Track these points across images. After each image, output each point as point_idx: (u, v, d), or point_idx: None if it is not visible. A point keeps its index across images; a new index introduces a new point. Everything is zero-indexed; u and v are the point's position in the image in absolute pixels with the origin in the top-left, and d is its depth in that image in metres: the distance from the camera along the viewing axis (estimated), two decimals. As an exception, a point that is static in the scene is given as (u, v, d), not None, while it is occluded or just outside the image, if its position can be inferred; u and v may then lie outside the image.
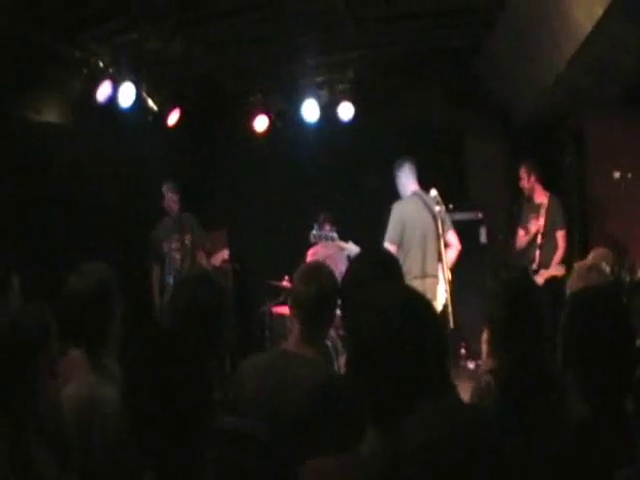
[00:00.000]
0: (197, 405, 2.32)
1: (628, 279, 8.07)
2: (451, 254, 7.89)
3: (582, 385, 2.77)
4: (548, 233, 9.14)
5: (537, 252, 9.22)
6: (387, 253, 3.98)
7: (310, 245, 10.53)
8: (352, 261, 4.04)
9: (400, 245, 7.73)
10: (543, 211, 9.24)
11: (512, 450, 2.90)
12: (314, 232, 8.23)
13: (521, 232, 9.60)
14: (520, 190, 9.91)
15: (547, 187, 9.57)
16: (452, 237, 7.95)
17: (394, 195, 8.36)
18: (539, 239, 9.19)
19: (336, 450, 2.60)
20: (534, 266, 9.19)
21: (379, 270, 3.58)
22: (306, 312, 3.74)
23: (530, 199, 9.54)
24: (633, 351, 2.81)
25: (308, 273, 3.82)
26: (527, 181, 9.48)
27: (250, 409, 3.47)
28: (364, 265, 3.72)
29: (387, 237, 7.79)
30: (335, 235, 8.31)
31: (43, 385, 2.90)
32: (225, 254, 9.76)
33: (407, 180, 8.17)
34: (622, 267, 7.94)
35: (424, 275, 7.73)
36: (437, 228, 7.71)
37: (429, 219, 7.77)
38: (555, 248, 9.08)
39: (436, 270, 7.81)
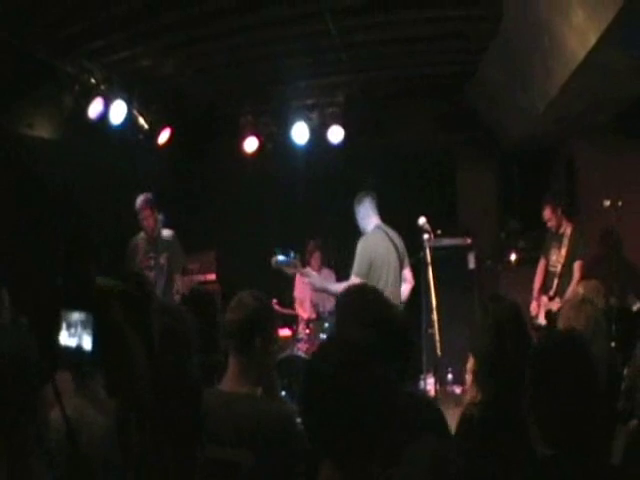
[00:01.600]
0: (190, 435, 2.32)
1: (636, 307, 8.09)
2: (405, 289, 7.80)
3: (542, 429, 2.76)
4: (568, 263, 9.08)
5: (555, 281, 9.19)
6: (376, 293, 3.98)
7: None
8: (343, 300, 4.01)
9: (366, 279, 7.59)
10: (566, 241, 9.16)
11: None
12: (278, 258, 8.00)
13: (542, 262, 9.58)
14: (510, 217, 9.93)
15: (570, 217, 9.49)
16: (408, 273, 7.84)
17: (384, 220, 8.27)
18: (559, 268, 9.15)
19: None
20: (551, 293, 9.19)
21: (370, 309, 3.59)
22: (238, 340, 3.72)
23: (555, 231, 9.44)
24: (595, 398, 2.79)
25: (235, 301, 3.81)
26: (555, 219, 9.31)
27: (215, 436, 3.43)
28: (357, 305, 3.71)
29: (355, 271, 7.54)
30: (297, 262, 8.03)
31: (42, 407, 2.87)
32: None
33: (368, 214, 7.94)
34: (611, 294, 7.96)
35: None
36: (400, 263, 7.64)
37: (394, 255, 7.67)
38: (572, 278, 9.03)
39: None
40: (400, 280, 7.57)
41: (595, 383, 2.81)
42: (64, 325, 2.64)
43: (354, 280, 7.44)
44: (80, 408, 3.33)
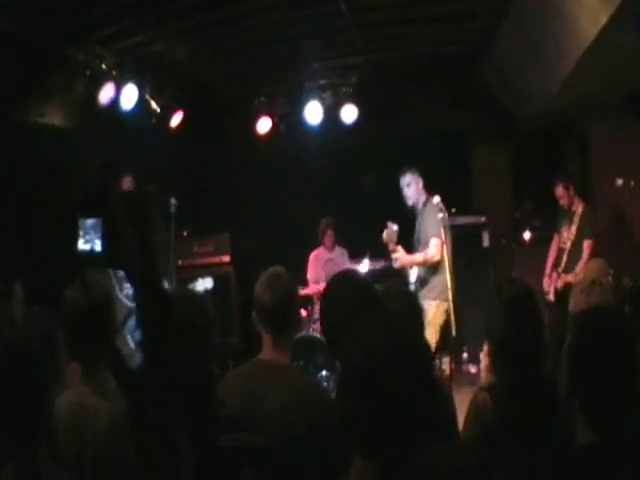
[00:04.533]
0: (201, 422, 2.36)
1: (631, 285, 8.08)
2: None
3: (587, 412, 2.74)
4: (577, 241, 9.14)
5: (565, 257, 9.25)
6: (363, 280, 4.08)
7: (313, 248, 10.55)
8: (328, 291, 4.09)
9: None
10: (577, 219, 9.24)
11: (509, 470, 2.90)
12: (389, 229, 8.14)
13: (556, 238, 9.63)
14: (524, 196, 9.93)
15: (582, 196, 9.53)
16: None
17: (396, 199, 8.29)
18: (569, 245, 9.20)
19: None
20: (559, 270, 9.23)
21: (359, 298, 3.67)
22: (273, 319, 3.76)
23: (567, 209, 9.49)
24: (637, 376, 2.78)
25: (268, 280, 3.81)
26: (567, 196, 9.36)
27: (234, 423, 3.48)
28: (343, 295, 3.79)
29: (434, 233, 7.75)
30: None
31: (52, 399, 2.91)
32: None
33: (421, 186, 8.21)
34: (624, 274, 7.94)
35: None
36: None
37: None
38: (581, 256, 9.08)
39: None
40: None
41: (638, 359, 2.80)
42: (81, 233, 2.77)
43: (435, 241, 7.73)
44: (86, 395, 3.36)
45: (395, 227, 8.01)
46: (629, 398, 2.71)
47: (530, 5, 7.61)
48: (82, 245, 2.79)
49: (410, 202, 8.21)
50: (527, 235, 10.80)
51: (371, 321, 2.56)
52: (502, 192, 11.58)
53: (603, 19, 6.14)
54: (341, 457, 2.42)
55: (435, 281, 7.78)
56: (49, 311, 3.48)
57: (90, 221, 2.85)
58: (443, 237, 7.66)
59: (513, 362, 3.61)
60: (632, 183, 8.30)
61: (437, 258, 7.71)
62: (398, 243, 8.02)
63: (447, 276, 7.54)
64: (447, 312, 7.48)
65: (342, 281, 4.02)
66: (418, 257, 7.98)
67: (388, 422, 2.21)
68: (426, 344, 2.69)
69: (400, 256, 8.01)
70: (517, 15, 8.05)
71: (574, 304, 5.37)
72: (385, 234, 8.09)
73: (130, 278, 2.45)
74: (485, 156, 11.72)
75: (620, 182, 8.39)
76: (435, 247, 7.72)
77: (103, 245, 2.75)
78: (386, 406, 2.21)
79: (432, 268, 7.86)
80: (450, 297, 7.48)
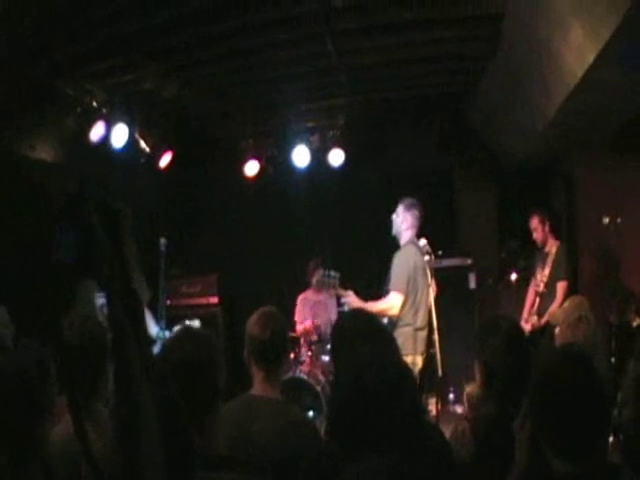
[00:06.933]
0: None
1: (635, 323, 8.10)
2: (431, 297, 7.71)
3: (555, 445, 2.75)
4: (551, 283, 9.06)
5: (538, 299, 9.19)
6: (375, 320, 4.17)
7: (301, 290, 10.51)
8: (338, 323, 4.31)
9: (405, 295, 7.52)
10: (550, 260, 9.18)
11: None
12: (321, 275, 7.83)
13: (533, 282, 9.54)
14: (509, 236, 9.97)
15: (557, 235, 9.56)
16: (433, 284, 7.77)
17: (385, 242, 8.23)
18: (542, 288, 9.13)
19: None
20: (532, 312, 9.16)
21: (367, 337, 3.73)
22: (269, 356, 4.00)
23: (541, 248, 9.49)
24: (602, 410, 2.79)
25: (263, 319, 4.06)
26: (542, 231, 9.39)
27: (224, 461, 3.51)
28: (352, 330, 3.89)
29: (396, 287, 7.45)
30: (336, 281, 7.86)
31: (47, 424, 2.89)
32: None
33: (412, 225, 7.79)
34: (629, 311, 7.98)
35: (422, 327, 7.59)
36: (427, 278, 7.56)
37: (425, 269, 7.57)
38: (555, 298, 8.99)
39: (426, 320, 7.66)
40: (429, 292, 7.52)
41: (601, 394, 2.80)
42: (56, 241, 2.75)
43: (395, 296, 7.43)
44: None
45: (328, 273, 7.62)
46: (597, 430, 2.73)
47: (516, 45, 7.71)
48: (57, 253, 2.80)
49: (392, 231, 7.92)
50: (513, 276, 10.78)
51: (365, 353, 2.62)
52: (488, 233, 11.61)
53: (590, 57, 6.21)
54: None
55: (396, 333, 7.24)
56: (39, 341, 3.48)
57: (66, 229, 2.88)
58: (405, 289, 7.40)
59: (514, 392, 3.65)
60: (618, 220, 8.35)
61: (392, 312, 7.38)
62: (347, 288, 7.65)
63: (410, 328, 7.40)
64: (414, 364, 7.18)
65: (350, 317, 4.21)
66: (372, 306, 7.39)
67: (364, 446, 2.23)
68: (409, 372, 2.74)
69: (350, 301, 7.63)
70: (504, 55, 8.15)
71: (560, 340, 5.43)
72: (315, 282, 7.93)
73: (103, 288, 2.45)
74: (471, 197, 11.76)
75: (606, 220, 8.43)
76: (394, 301, 7.41)
77: (77, 253, 2.76)
78: (367, 432, 2.23)
79: (394, 320, 7.49)
80: (419, 349, 7.40)
